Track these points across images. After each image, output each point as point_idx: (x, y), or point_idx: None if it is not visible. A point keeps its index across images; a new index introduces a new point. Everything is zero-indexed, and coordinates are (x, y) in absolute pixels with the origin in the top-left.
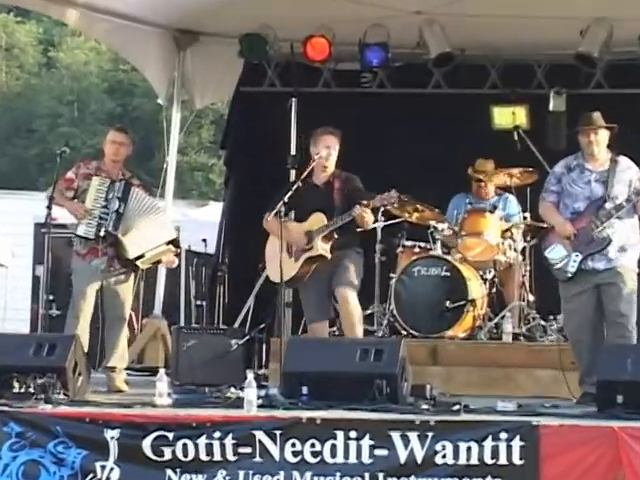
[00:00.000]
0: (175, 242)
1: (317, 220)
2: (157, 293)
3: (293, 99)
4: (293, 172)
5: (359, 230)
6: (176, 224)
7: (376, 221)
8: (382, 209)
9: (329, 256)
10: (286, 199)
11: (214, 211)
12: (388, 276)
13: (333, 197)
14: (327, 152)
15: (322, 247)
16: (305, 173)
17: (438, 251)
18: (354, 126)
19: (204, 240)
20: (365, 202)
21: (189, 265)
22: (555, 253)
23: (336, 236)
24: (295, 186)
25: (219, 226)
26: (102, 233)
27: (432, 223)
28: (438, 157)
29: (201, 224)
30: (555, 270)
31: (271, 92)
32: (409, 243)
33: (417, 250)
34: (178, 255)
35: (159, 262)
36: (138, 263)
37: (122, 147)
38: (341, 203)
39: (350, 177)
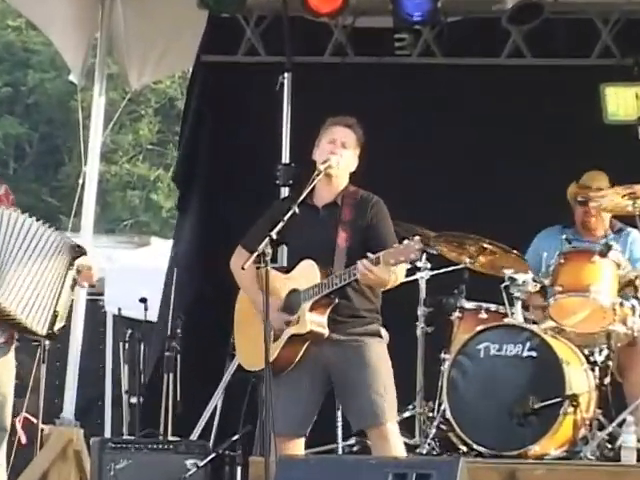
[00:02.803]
0: (76, 253)
1: (307, 273)
2: (67, 385)
3: (286, 75)
4: (285, 190)
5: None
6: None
7: (417, 270)
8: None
9: (326, 333)
10: (275, 235)
11: (159, 253)
12: (438, 357)
13: (337, 232)
14: (330, 148)
15: (313, 320)
16: (306, 192)
17: (518, 317)
18: (382, 117)
19: (143, 300)
20: (372, 257)
21: (119, 340)
22: None
23: (337, 300)
24: (290, 214)
25: (167, 277)
26: None
27: (508, 273)
28: (515, 167)
29: (138, 274)
30: None
31: (251, 64)
32: (471, 305)
33: (484, 316)
34: (88, 271)
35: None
36: (55, 330)
37: None
38: (347, 245)
39: (369, 201)
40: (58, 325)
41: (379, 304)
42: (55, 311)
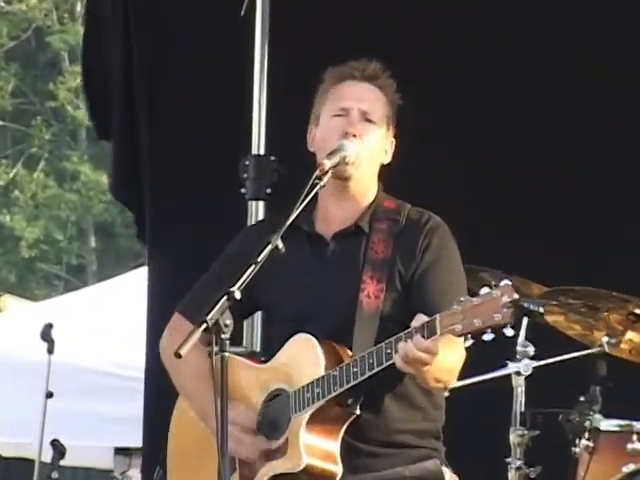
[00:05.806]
0: None
1: (301, 359)
2: None
3: None
4: (258, 205)
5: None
6: None
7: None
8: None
9: (338, 472)
10: (238, 292)
11: (18, 325)
12: None
13: (359, 281)
14: (341, 126)
15: (314, 447)
16: (296, 212)
17: None
18: (424, 69)
19: None
20: (421, 320)
21: None
22: None
23: (358, 411)
24: (267, 253)
25: None
26: None
27: None
28: None
29: None
30: None
31: None
32: (612, 424)
33: (636, 446)
34: None
35: None
36: None
37: None
38: (380, 305)
39: (421, 224)
40: None
41: (441, 421)
42: None
